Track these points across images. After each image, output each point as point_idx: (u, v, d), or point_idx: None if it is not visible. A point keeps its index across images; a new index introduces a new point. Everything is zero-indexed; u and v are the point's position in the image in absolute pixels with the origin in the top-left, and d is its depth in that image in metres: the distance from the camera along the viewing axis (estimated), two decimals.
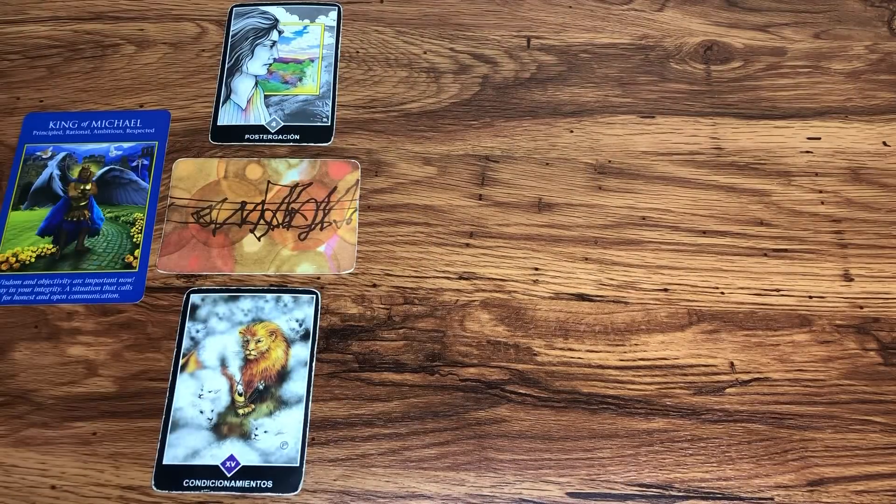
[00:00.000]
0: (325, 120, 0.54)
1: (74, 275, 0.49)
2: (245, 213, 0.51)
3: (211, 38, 0.58)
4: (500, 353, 0.47)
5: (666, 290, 0.49)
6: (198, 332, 0.47)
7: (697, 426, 0.45)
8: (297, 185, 0.52)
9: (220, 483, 0.44)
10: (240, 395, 0.46)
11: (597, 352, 0.47)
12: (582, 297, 0.49)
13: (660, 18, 0.59)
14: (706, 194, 0.52)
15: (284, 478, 0.44)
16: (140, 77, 0.56)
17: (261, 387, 0.46)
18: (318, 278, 0.49)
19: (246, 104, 0.55)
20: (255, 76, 0.56)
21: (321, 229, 0.51)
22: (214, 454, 0.44)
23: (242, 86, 0.56)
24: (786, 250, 0.50)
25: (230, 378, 0.46)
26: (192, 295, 0.48)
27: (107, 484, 0.44)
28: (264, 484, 0.43)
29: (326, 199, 0.52)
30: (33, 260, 0.50)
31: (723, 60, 0.57)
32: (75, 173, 0.52)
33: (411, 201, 0.52)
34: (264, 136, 0.54)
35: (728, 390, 0.46)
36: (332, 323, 0.48)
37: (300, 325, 0.48)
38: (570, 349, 0.47)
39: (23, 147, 0.53)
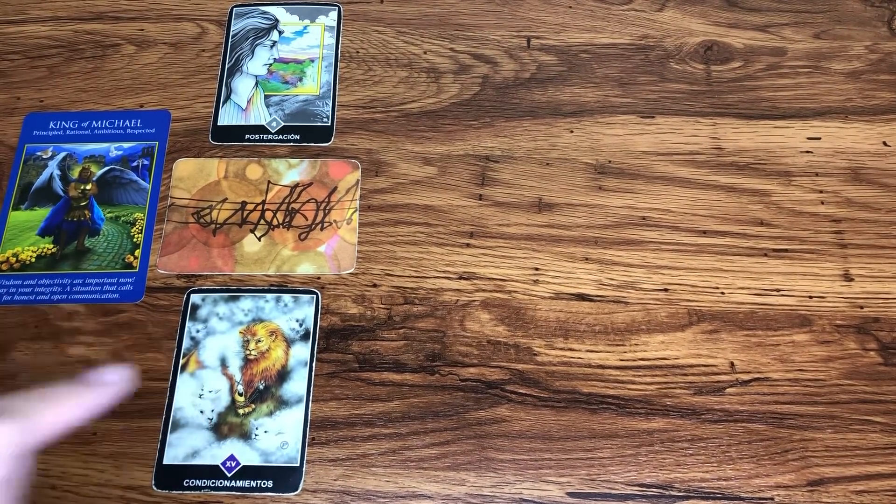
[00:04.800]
0: (325, 120, 0.54)
1: (75, 275, 0.49)
2: (245, 213, 0.51)
3: (211, 38, 0.58)
4: (500, 353, 0.47)
5: (666, 290, 0.49)
6: (198, 332, 0.47)
7: (697, 426, 0.45)
8: (297, 185, 0.52)
9: (221, 483, 0.44)
10: (240, 394, 0.46)
11: (597, 352, 0.47)
12: (582, 297, 0.49)
13: (660, 18, 0.59)
14: (706, 194, 0.52)
15: (284, 478, 0.44)
16: (140, 77, 0.56)
17: (261, 387, 0.46)
18: (319, 278, 0.49)
19: (246, 104, 0.55)
20: (256, 76, 0.56)
21: (321, 229, 0.51)
22: (215, 454, 0.44)
23: (242, 86, 0.56)
24: (786, 250, 0.50)
25: (230, 378, 0.46)
26: (192, 295, 0.48)
27: (107, 484, 0.44)
28: (264, 484, 0.43)
29: (327, 199, 0.52)
30: (33, 260, 0.50)
31: (723, 60, 0.57)
32: (75, 173, 0.52)
33: (411, 201, 0.52)
34: (264, 136, 0.54)
35: (728, 390, 0.46)
36: (332, 323, 0.48)
37: (300, 325, 0.48)
38: (571, 349, 0.47)
39: (23, 147, 0.53)
